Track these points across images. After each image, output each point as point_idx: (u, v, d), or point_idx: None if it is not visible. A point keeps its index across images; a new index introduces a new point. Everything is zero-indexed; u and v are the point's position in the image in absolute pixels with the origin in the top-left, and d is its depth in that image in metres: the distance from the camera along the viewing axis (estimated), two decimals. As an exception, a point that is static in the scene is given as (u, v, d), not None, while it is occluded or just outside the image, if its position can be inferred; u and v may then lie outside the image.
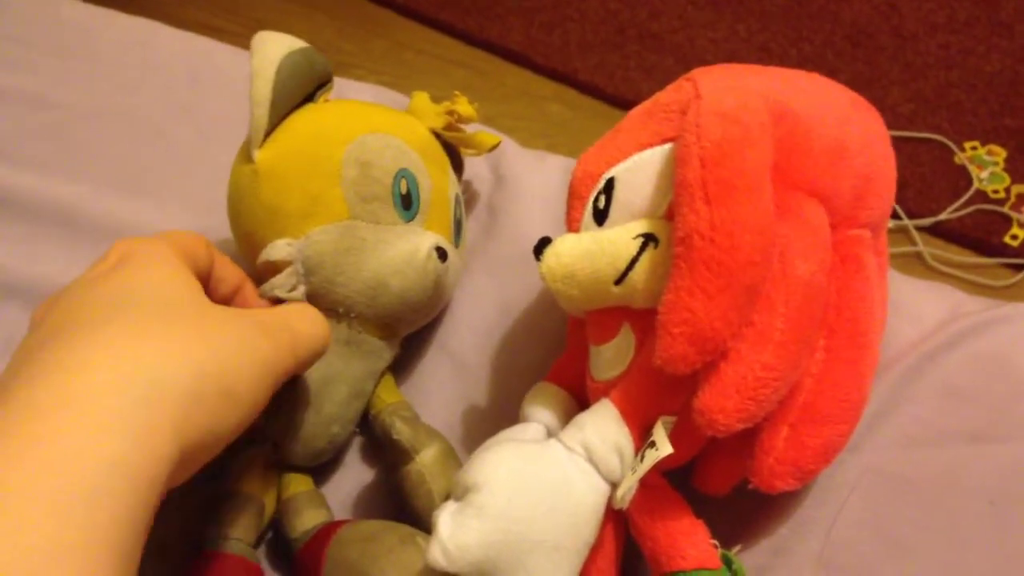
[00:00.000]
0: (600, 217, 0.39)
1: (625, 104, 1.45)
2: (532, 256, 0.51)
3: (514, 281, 0.52)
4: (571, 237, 0.39)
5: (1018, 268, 1.21)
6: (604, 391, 0.39)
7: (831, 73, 1.49)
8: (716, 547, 0.37)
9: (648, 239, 0.36)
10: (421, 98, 0.50)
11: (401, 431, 0.41)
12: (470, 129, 0.52)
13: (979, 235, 1.24)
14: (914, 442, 0.42)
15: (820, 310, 0.35)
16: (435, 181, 0.45)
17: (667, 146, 0.37)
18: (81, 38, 0.66)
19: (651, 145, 0.38)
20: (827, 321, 0.36)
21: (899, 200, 1.27)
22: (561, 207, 0.55)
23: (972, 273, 1.21)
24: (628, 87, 1.47)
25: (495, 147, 0.51)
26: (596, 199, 0.39)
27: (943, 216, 1.25)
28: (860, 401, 0.37)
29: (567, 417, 0.40)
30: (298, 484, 0.44)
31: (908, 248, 1.24)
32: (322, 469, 0.46)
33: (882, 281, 0.42)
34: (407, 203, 0.42)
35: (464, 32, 1.58)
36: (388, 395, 0.45)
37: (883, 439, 0.42)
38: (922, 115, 1.37)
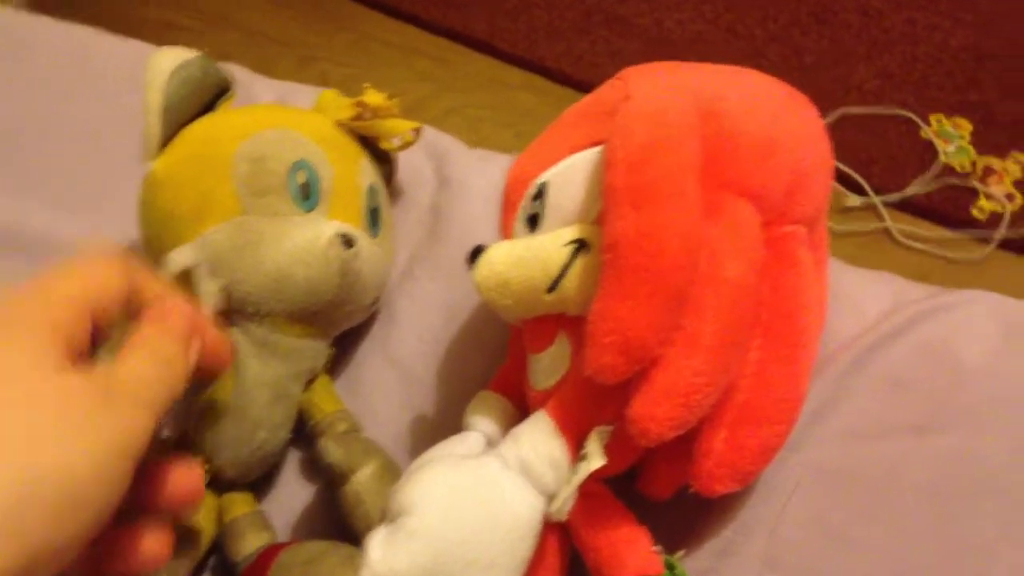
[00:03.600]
0: (533, 223, 0.39)
1: (593, 90, 1.44)
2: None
3: (460, 285, 0.52)
4: (504, 245, 0.38)
5: (987, 241, 1.21)
6: (542, 401, 0.38)
7: (797, 52, 1.50)
8: (659, 553, 0.37)
9: (580, 245, 0.36)
10: (327, 95, 0.50)
11: (333, 453, 0.41)
12: (426, 143, 0.51)
13: (946, 209, 1.24)
14: (857, 436, 0.42)
15: (751, 311, 0.34)
16: (339, 170, 0.44)
17: (598, 149, 0.37)
18: (16, 48, 0.65)
19: (583, 147, 0.38)
20: (761, 320, 0.36)
21: (866, 176, 1.27)
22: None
23: (941, 248, 1.21)
24: (596, 72, 1.46)
25: (415, 134, 0.51)
26: (528, 205, 0.39)
27: (910, 191, 1.25)
28: (797, 399, 0.36)
29: (508, 426, 0.40)
30: (240, 506, 0.43)
31: (876, 224, 1.24)
32: (264, 487, 0.46)
33: (820, 276, 0.42)
34: (305, 193, 0.42)
35: (429, 22, 1.57)
36: (325, 403, 0.45)
37: (826, 434, 0.42)
38: (888, 91, 1.37)
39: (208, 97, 0.44)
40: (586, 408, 0.36)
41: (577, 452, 0.36)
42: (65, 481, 0.25)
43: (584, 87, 1.58)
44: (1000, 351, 0.43)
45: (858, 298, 0.47)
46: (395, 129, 0.50)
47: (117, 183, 0.58)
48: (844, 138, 1.33)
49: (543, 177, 0.39)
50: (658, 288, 0.31)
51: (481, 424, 0.41)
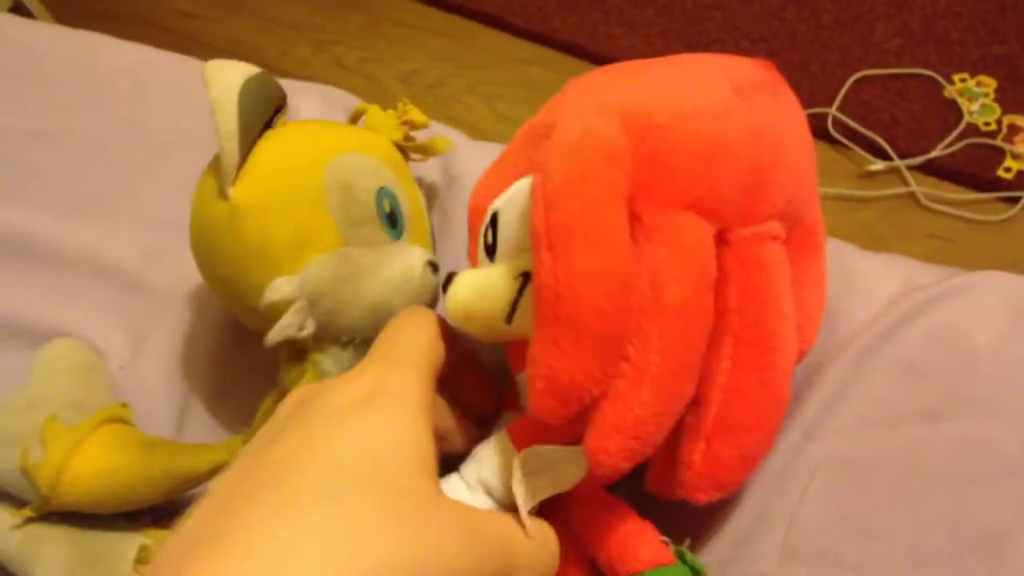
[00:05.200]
0: (490, 252, 0.38)
1: (608, 62, 1.43)
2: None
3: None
4: (468, 274, 0.38)
5: (1014, 201, 1.19)
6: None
7: (815, 12, 1.47)
8: (667, 544, 0.37)
9: (528, 278, 0.34)
10: (375, 112, 0.49)
11: None
12: (422, 135, 0.51)
13: (972, 170, 1.22)
14: (872, 424, 0.42)
15: (701, 332, 0.33)
16: (409, 194, 0.45)
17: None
18: (22, 57, 0.65)
19: (526, 173, 0.36)
20: (731, 328, 0.35)
21: (889, 139, 1.25)
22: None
23: (967, 210, 1.20)
24: (610, 44, 1.45)
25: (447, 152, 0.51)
26: (484, 233, 0.38)
27: (935, 153, 1.23)
28: (775, 404, 0.35)
29: None
30: None
31: (901, 189, 1.22)
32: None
33: (805, 271, 0.40)
34: (392, 221, 0.42)
35: (440, 0, 1.56)
36: None
37: (841, 423, 0.42)
38: (909, 50, 1.35)
39: (270, 114, 0.43)
40: (544, 432, 0.35)
41: None
42: None
43: (598, 59, 1.57)
44: (1010, 334, 0.43)
45: (868, 283, 0.47)
46: (440, 148, 0.50)
47: (124, 191, 0.59)
48: (865, 101, 1.31)
49: (495, 205, 0.38)
50: (582, 334, 0.30)
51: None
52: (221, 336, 0.51)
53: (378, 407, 0.30)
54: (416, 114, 0.49)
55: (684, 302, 0.32)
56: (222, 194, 0.39)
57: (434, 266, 0.43)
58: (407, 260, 0.42)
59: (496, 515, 0.34)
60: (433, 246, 0.47)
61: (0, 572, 0.43)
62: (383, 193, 0.42)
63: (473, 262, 0.41)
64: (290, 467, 0.27)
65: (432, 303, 0.44)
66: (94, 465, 0.41)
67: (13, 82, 0.64)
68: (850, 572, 0.39)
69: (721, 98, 0.36)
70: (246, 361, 0.51)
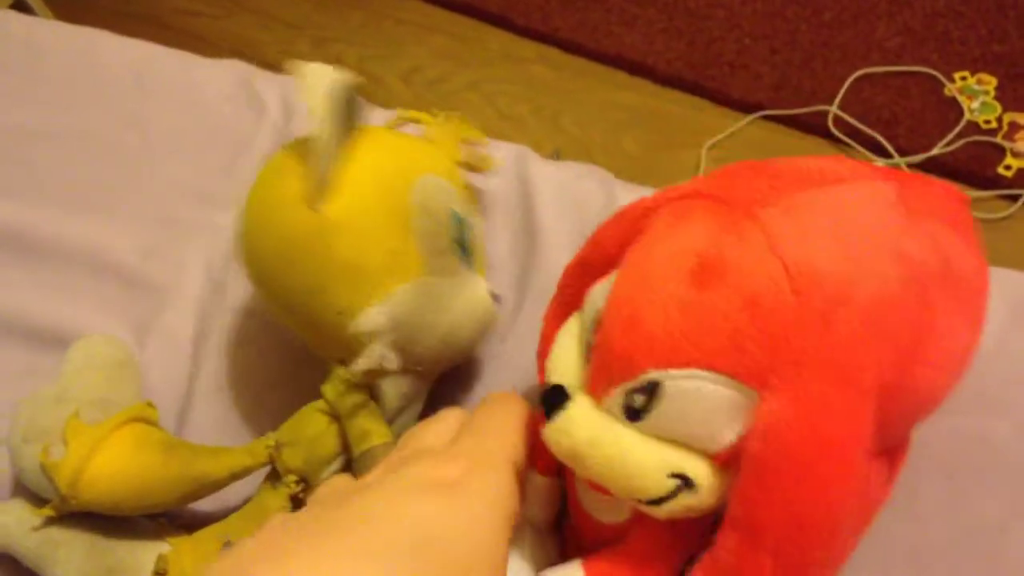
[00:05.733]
0: (633, 416, 0.31)
1: (609, 60, 1.43)
2: (488, 253, 0.50)
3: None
4: (591, 417, 0.32)
5: (1014, 198, 1.19)
6: (596, 531, 0.37)
7: (816, 10, 1.46)
8: None
9: (684, 484, 0.30)
10: (438, 128, 0.47)
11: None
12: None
13: (973, 168, 1.22)
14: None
15: None
16: (472, 216, 0.43)
17: (742, 391, 0.29)
18: (24, 53, 0.65)
19: (721, 371, 0.29)
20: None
21: (889, 138, 1.25)
22: (512, 198, 0.55)
23: (967, 207, 1.20)
24: (611, 42, 1.45)
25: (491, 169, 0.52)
26: (631, 396, 0.31)
27: (935, 151, 1.24)
28: None
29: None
30: (376, 436, 0.41)
31: (901, 186, 1.22)
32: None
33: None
34: (464, 249, 0.41)
35: (441, -2, 1.56)
36: (375, 426, 0.42)
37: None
38: (910, 48, 1.35)
39: (356, 124, 0.40)
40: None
41: None
42: None
43: (600, 57, 1.57)
44: (1009, 331, 0.43)
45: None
46: (487, 165, 0.51)
47: (125, 187, 0.59)
48: (866, 98, 1.31)
49: (657, 375, 0.30)
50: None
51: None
52: (222, 333, 0.52)
53: (466, 496, 0.28)
54: (472, 132, 0.49)
55: None
56: (311, 205, 0.36)
57: (496, 297, 0.43)
58: (476, 291, 0.42)
59: None
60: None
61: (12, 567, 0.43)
62: (455, 218, 0.40)
63: (551, 326, 0.38)
64: (364, 518, 0.27)
65: (491, 332, 0.45)
66: (113, 465, 0.40)
67: (14, 78, 0.64)
68: (847, 564, 0.39)
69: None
70: (248, 358, 0.51)
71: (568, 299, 0.39)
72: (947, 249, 0.30)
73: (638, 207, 0.35)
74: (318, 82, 0.36)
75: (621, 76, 1.43)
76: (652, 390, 0.30)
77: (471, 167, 0.49)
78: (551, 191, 0.55)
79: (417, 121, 0.49)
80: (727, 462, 0.30)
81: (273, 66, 0.62)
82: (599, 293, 0.33)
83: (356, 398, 0.40)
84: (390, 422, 0.42)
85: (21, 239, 0.56)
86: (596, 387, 0.32)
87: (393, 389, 0.41)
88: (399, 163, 0.40)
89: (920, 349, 0.29)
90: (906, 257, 0.29)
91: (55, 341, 0.51)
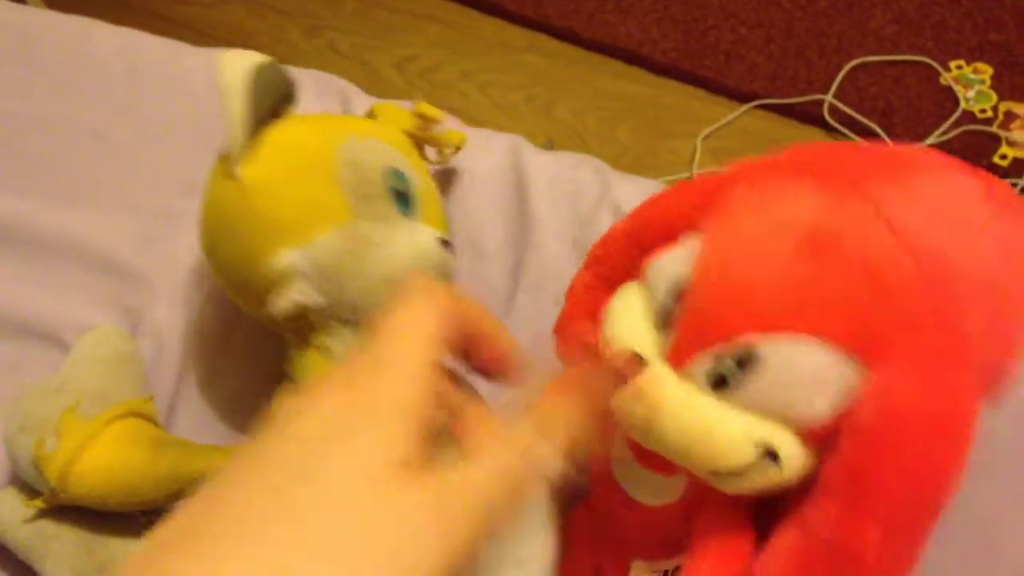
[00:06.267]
0: (719, 384, 0.30)
1: (604, 49, 1.43)
2: (482, 244, 0.49)
3: (464, 270, 0.52)
4: (671, 384, 0.31)
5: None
6: (632, 510, 0.36)
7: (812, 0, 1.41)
8: None
9: (770, 455, 0.30)
10: (382, 107, 0.50)
11: None
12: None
13: (968, 157, 1.20)
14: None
15: None
16: (420, 178, 0.44)
17: (846, 362, 0.29)
18: (18, 43, 0.65)
19: (824, 336, 0.28)
20: None
21: (885, 127, 1.25)
22: (506, 188, 0.55)
23: (962, 196, 1.20)
24: (606, 30, 1.44)
25: (461, 146, 0.51)
26: (720, 362, 0.30)
27: (931, 140, 1.23)
28: None
29: None
30: None
31: (896, 176, 1.22)
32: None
33: None
34: (403, 199, 0.42)
35: (435, -15, 1.55)
36: None
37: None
38: (906, 36, 1.34)
39: (277, 102, 0.43)
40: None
41: None
42: None
43: (593, 45, 1.56)
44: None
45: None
46: (453, 140, 0.51)
47: (116, 177, 0.58)
48: (861, 87, 1.31)
49: (753, 339, 0.29)
50: None
51: None
52: (213, 323, 0.51)
53: (358, 427, 0.27)
54: (428, 108, 0.50)
55: None
56: (231, 175, 0.40)
57: (447, 244, 0.43)
58: (417, 236, 0.42)
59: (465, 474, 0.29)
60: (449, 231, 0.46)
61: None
62: (392, 172, 0.42)
63: (586, 296, 0.38)
64: (271, 492, 0.26)
65: (444, 280, 0.43)
66: (102, 461, 0.40)
67: (6, 67, 0.63)
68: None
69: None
70: (238, 347, 0.51)
71: (608, 271, 0.39)
72: None
73: (709, 179, 0.34)
74: (233, 63, 0.40)
75: (616, 65, 1.43)
76: (746, 357, 0.29)
77: (434, 141, 0.50)
78: (545, 181, 0.55)
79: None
80: (818, 437, 0.29)
81: (266, 55, 0.62)
82: (675, 261, 0.32)
83: (311, 363, 0.40)
84: None
85: (10, 230, 0.55)
86: (679, 353, 0.31)
87: (338, 344, 0.41)
88: (324, 129, 0.43)
89: (1012, 332, 0.30)
90: (1004, 244, 0.30)
91: (44, 334, 0.51)
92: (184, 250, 0.53)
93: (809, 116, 1.30)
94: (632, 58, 1.41)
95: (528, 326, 0.45)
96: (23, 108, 0.61)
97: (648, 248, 0.34)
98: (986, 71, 1.29)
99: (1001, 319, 0.29)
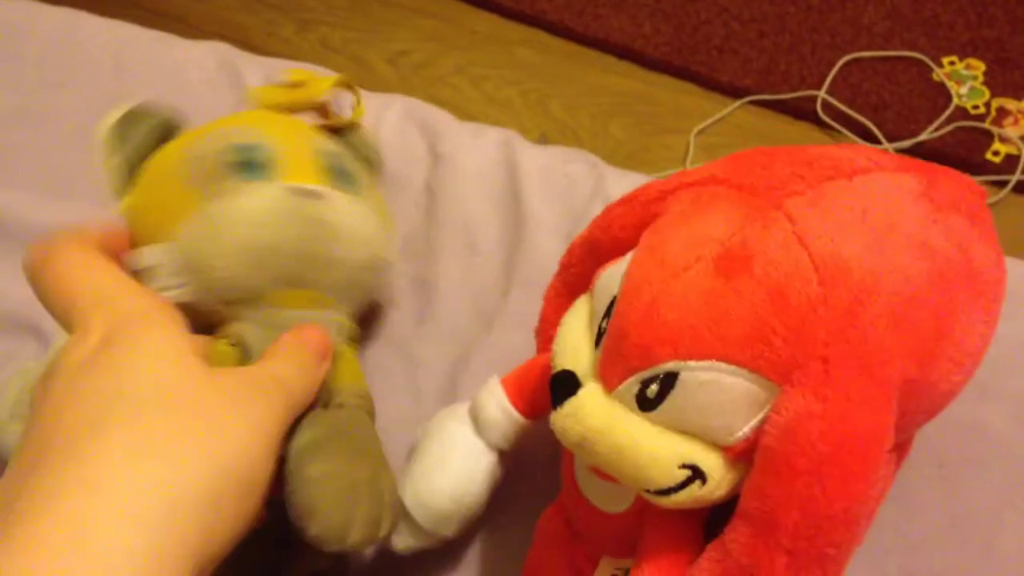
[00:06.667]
0: (645, 406, 0.30)
1: (597, 44, 1.43)
2: (475, 239, 0.49)
3: (456, 265, 0.52)
4: (601, 405, 0.31)
5: (1002, 184, 1.20)
6: (596, 520, 0.37)
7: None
8: None
9: (695, 475, 0.30)
10: (255, 91, 0.49)
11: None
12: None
13: (961, 153, 1.22)
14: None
15: None
16: (285, 139, 0.43)
17: (761, 384, 0.28)
18: (5, 34, 0.64)
19: (742, 364, 0.28)
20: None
21: (877, 123, 1.25)
22: (499, 183, 0.55)
23: (955, 192, 1.20)
24: (598, 25, 1.44)
25: (336, 85, 0.48)
26: (645, 385, 0.30)
27: (923, 136, 1.23)
28: None
29: (512, 438, 0.40)
30: None
31: (889, 172, 1.22)
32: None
33: None
34: (246, 167, 0.41)
35: (428, -20, 1.55)
36: (342, 377, 0.42)
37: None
38: (898, 33, 1.34)
39: (158, 138, 0.45)
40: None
41: None
42: (247, 473, 0.27)
43: (587, 40, 1.55)
44: (1002, 316, 0.43)
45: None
46: (318, 89, 0.48)
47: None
48: (854, 83, 1.31)
49: (674, 366, 0.29)
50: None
51: (489, 433, 0.40)
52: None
53: (114, 346, 0.29)
54: (297, 74, 0.49)
55: None
56: (116, 201, 0.43)
57: (307, 191, 0.41)
58: (265, 191, 0.40)
59: (262, 363, 0.35)
60: (344, 184, 0.44)
61: None
62: (233, 148, 0.41)
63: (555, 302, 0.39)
64: (55, 430, 0.27)
65: (313, 227, 0.40)
66: None
67: (-8, 59, 0.63)
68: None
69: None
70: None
71: (571, 279, 0.39)
72: (968, 244, 0.30)
73: (651, 190, 0.34)
74: (103, 124, 0.44)
75: (609, 60, 1.42)
76: (668, 380, 0.29)
77: (295, 104, 0.48)
78: (538, 176, 0.55)
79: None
80: (740, 455, 0.29)
81: (258, 49, 0.61)
82: (612, 277, 0.32)
83: (221, 355, 0.39)
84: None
85: (2, 225, 0.55)
86: (607, 374, 0.31)
87: (250, 333, 0.40)
88: (178, 142, 0.44)
89: (941, 344, 0.29)
90: (931, 250, 0.29)
91: (35, 328, 0.51)
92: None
93: (802, 112, 1.30)
94: (625, 53, 1.41)
95: (522, 321, 0.44)
96: (10, 100, 0.61)
97: (603, 260, 0.34)
98: (979, 67, 1.29)
99: (925, 333, 0.28)
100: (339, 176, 0.44)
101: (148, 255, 0.40)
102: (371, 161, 0.50)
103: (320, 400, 0.40)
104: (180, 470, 0.25)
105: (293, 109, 0.47)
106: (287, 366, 0.34)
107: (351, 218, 0.43)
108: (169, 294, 0.39)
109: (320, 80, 0.48)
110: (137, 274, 0.39)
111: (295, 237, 0.40)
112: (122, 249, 0.38)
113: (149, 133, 0.45)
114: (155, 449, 0.25)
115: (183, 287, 0.39)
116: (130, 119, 0.44)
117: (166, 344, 0.30)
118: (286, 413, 0.32)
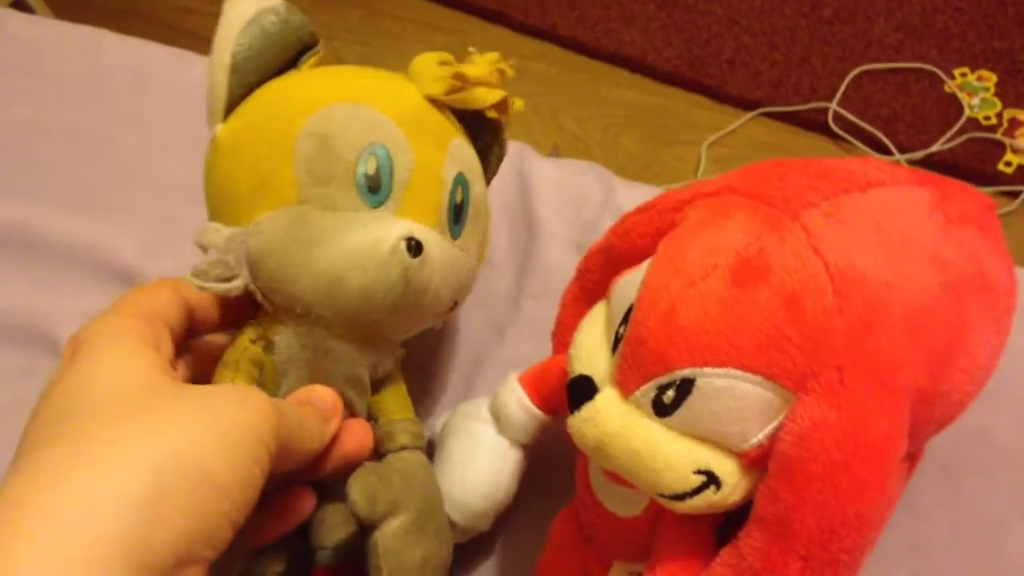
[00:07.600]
0: (662, 411, 0.31)
1: (608, 57, 1.43)
2: (488, 250, 0.49)
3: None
4: (618, 410, 0.31)
5: (1014, 195, 1.19)
6: (613, 524, 0.37)
7: (815, 6, 1.46)
8: None
9: (710, 480, 0.30)
10: (422, 61, 0.41)
11: (357, 503, 0.36)
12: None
13: (973, 164, 1.22)
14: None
15: None
16: (421, 157, 0.37)
17: (777, 392, 0.29)
18: (27, 52, 0.65)
19: (757, 372, 0.29)
20: None
21: (890, 134, 1.25)
22: (511, 195, 0.55)
23: (967, 203, 1.20)
24: (610, 39, 1.44)
25: (501, 104, 0.43)
26: (662, 391, 0.30)
27: (935, 148, 1.23)
28: None
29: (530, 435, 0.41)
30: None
31: (901, 183, 1.22)
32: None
33: None
34: (374, 185, 0.36)
35: (440, -5, 1.56)
36: (391, 410, 0.41)
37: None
38: (909, 44, 1.35)
39: (289, 53, 0.39)
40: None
41: None
42: (199, 468, 0.26)
43: (599, 54, 1.56)
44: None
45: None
46: (485, 99, 0.42)
47: (123, 185, 0.59)
48: (865, 95, 1.31)
49: (691, 372, 0.29)
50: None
51: (510, 430, 0.41)
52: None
53: (78, 358, 0.30)
54: (474, 68, 0.41)
55: None
56: (209, 124, 0.37)
57: (416, 246, 0.35)
58: (376, 232, 0.35)
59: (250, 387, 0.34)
60: (454, 227, 0.40)
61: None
62: (371, 151, 0.36)
63: (570, 303, 0.39)
64: (21, 446, 0.27)
65: (405, 287, 0.35)
66: None
67: (14, 76, 0.64)
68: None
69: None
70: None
71: (590, 285, 0.40)
72: (981, 256, 0.30)
73: (669, 199, 0.34)
74: (234, 8, 0.36)
75: (620, 73, 1.43)
76: (684, 387, 0.30)
77: (462, 103, 0.41)
78: (550, 188, 0.55)
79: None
80: (754, 461, 0.30)
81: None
82: (630, 285, 0.33)
83: (253, 359, 0.38)
84: (282, 376, 0.38)
85: (20, 237, 0.56)
86: (625, 380, 0.31)
87: (289, 345, 0.38)
88: (309, 89, 0.37)
89: (953, 355, 0.29)
90: (944, 263, 0.29)
91: (54, 341, 0.51)
92: (191, 258, 0.53)
93: (813, 124, 1.30)
94: (636, 66, 1.42)
95: (533, 332, 0.45)
96: (31, 116, 0.62)
97: (620, 267, 0.35)
98: (990, 78, 1.29)
99: (938, 344, 0.29)
100: (457, 213, 0.40)
101: (215, 237, 0.36)
102: (500, 158, 0.48)
103: (376, 432, 0.40)
104: (107, 476, 0.25)
105: (449, 105, 0.41)
106: (286, 404, 0.33)
107: (446, 278, 0.38)
108: (218, 287, 0.36)
109: (488, 93, 0.42)
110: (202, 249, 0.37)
111: (386, 291, 0.36)
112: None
113: (280, 46, 0.38)
114: (86, 457, 0.25)
115: (237, 281, 0.36)
116: (265, 18, 0.37)
117: (127, 352, 0.31)
118: (267, 423, 0.30)
